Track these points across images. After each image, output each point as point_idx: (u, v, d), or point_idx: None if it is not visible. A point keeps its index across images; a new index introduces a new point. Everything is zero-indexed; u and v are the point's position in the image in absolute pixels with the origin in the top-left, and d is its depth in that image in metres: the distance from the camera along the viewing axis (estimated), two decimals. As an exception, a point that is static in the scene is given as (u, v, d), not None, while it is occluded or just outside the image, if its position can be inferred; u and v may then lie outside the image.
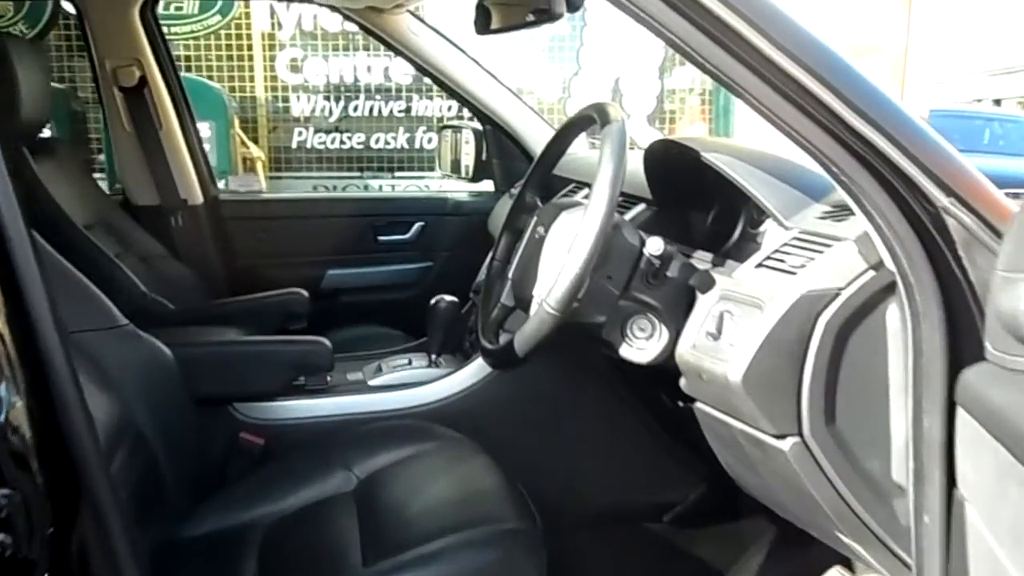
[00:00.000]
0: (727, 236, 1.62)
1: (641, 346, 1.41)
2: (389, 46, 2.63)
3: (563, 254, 1.34)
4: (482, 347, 1.59)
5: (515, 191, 2.61)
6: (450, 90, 2.67)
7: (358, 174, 6.02)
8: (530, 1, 1.91)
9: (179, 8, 5.10)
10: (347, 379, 1.99)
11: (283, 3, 6.24)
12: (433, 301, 2.01)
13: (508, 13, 2.03)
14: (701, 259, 1.55)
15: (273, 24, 6.00)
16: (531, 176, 1.75)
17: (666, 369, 1.41)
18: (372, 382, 1.96)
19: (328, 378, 1.92)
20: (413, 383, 1.94)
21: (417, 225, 2.88)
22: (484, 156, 2.75)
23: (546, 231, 1.53)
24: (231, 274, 2.73)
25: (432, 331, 2.03)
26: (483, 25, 1.96)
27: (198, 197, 2.69)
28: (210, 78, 5.60)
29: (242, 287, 2.70)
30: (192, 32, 5.23)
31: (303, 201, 2.94)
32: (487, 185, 2.87)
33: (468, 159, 2.81)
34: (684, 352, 1.36)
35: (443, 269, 2.89)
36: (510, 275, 1.61)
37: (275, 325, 2.20)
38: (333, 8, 2.60)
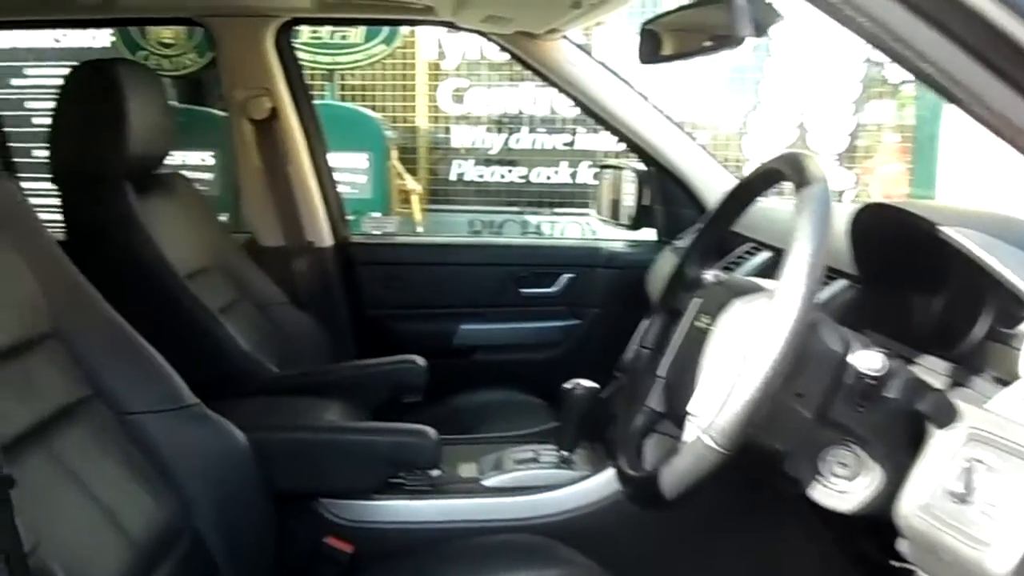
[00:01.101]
0: (963, 334, 1.17)
1: (842, 489, 1.02)
2: (543, 76, 2.34)
3: (734, 362, 0.97)
4: (619, 469, 1.21)
5: (679, 243, 2.26)
6: (609, 125, 2.34)
7: (516, 209, 5.76)
8: (707, 25, 1.56)
9: (344, 37, 5.02)
10: (458, 474, 1.66)
11: (449, 32, 6.10)
12: (569, 386, 1.65)
13: (679, 39, 1.74)
14: (927, 367, 1.13)
15: (438, 54, 5.86)
16: (697, 241, 1.35)
17: (876, 517, 1.00)
18: (488, 482, 1.62)
19: (434, 471, 1.59)
20: (537, 487, 1.59)
21: (565, 277, 2.54)
22: (646, 201, 2.41)
23: (712, 322, 1.14)
24: (355, 325, 2.49)
25: (566, 421, 1.67)
26: (650, 53, 1.73)
27: (326, 239, 2.46)
28: (372, 108, 5.51)
29: (366, 340, 2.47)
30: (356, 62, 5.14)
31: (439, 247, 2.67)
32: (648, 234, 2.51)
33: (628, 204, 2.48)
34: (909, 513, 0.94)
35: (592, 329, 2.53)
36: (661, 372, 1.24)
37: (386, 397, 1.92)
38: (482, 34, 2.32)
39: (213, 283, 2.12)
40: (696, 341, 1.16)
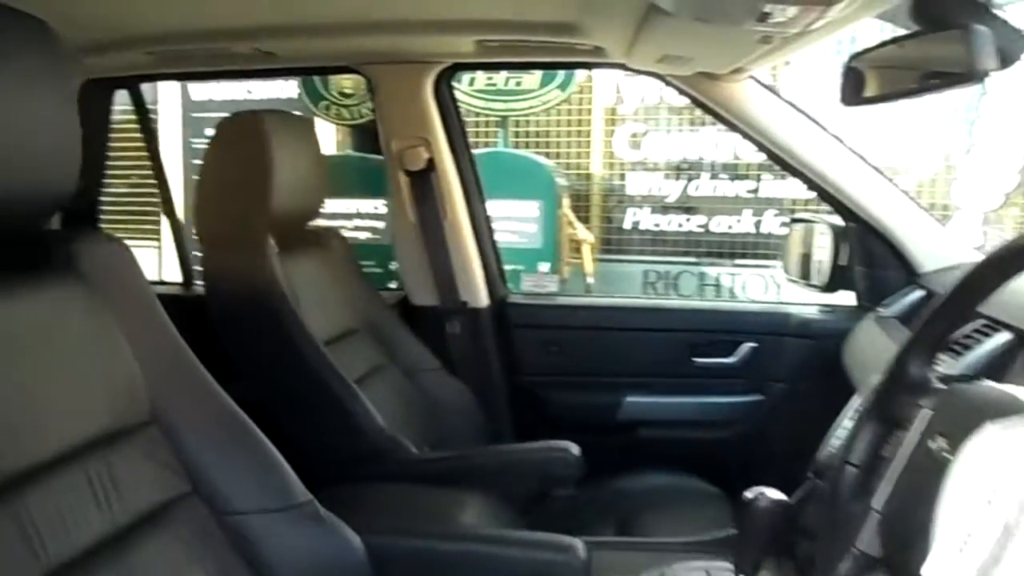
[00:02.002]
0: None
1: None
2: (725, 121, 2.07)
3: (993, 518, 0.70)
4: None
5: (884, 311, 1.93)
6: (802, 174, 2.04)
7: (694, 260, 5.43)
8: (928, 59, 1.27)
9: (519, 83, 4.92)
10: (610, 594, 1.40)
11: (626, 75, 5.91)
12: (751, 495, 1.35)
13: (889, 77, 1.47)
14: None
15: (616, 98, 5.67)
16: (925, 331, 1.04)
17: None
18: (646, 611, 1.35)
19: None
20: (708, 623, 1.30)
21: (746, 346, 2.24)
22: (844, 260, 2.10)
23: (953, 449, 0.84)
24: (510, 393, 2.28)
25: (747, 538, 1.37)
26: (853, 93, 1.49)
27: (482, 299, 2.29)
28: (546, 155, 5.37)
29: (521, 409, 2.25)
30: (530, 108, 5.02)
31: (603, 309, 2.42)
32: (845, 298, 2.17)
33: (822, 262, 2.16)
34: None
35: (777, 407, 2.21)
36: (877, 504, 0.95)
37: (534, 488, 1.68)
38: (658, 77, 2.09)
39: (358, 347, 1.99)
40: (928, 471, 0.86)
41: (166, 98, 6.13)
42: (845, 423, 1.30)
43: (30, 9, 1.63)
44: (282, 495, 1.16)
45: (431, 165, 2.20)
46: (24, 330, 0.96)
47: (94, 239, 1.11)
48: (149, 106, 5.93)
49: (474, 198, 2.29)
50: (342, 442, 1.69)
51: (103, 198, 2.46)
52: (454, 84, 2.28)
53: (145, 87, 2.41)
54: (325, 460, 1.72)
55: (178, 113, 5.98)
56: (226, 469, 1.13)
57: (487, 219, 2.35)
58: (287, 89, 5.56)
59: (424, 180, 2.21)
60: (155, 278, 2.55)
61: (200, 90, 5.93)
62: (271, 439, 1.27)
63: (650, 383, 2.27)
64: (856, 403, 1.30)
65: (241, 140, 1.77)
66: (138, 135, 2.50)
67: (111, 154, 2.48)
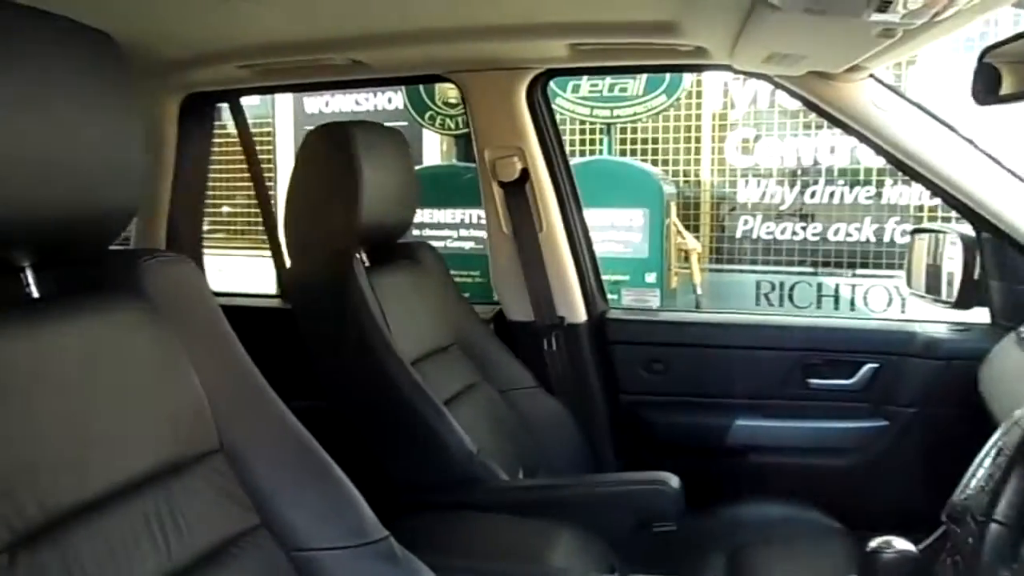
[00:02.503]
0: None
1: None
2: (841, 124, 1.92)
3: None
4: None
5: (1025, 333, 1.73)
6: (928, 181, 1.86)
7: (810, 270, 5.18)
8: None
9: (623, 90, 4.80)
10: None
11: (735, 78, 5.71)
12: (873, 545, 1.20)
13: None
14: None
15: (725, 103, 5.48)
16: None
17: None
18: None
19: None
20: None
21: (868, 367, 2.05)
22: (977, 273, 1.89)
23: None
24: (610, 413, 2.17)
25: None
26: (987, 91, 1.39)
27: (580, 314, 2.18)
28: (652, 162, 5.24)
29: (621, 431, 2.14)
30: (635, 115, 4.90)
31: (710, 326, 2.27)
32: (979, 315, 1.97)
33: (952, 276, 1.95)
34: None
35: (903, 435, 2.03)
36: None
37: (629, 523, 1.57)
38: (766, 78, 1.94)
39: (450, 364, 1.92)
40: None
41: (281, 111, 6.32)
42: (986, 463, 1.14)
43: (128, 26, 1.64)
44: (356, 531, 1.09)
45: (525, 175, 2.12)
46: (84, 356, 0.92)
47: (161, 259, 1.07)
48: (262, 120, 6.12)
49: (570, 209, 2.20)
50: (428, 466, 1.62)
51: (228, 210, 2.50)
52: (557, 91, 2.19)
53: (265, 102, 2.43)
54: (410, 485, 1.65)
55: (290, 125, 6.15)
56: (297, 502, 1.06)
57: (585, 231, 2.25)
58: (394, 100, 5.62)
59: (518, 191, 2.13)
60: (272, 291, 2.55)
61: (312, 102, 6.08)
62: (353, 460, 1.20)
63: (761, 405, 2.11)
64: (999, 440, 1.14)
65: (328, 152, 1.73)
66: (262, 147, 2.53)
67: (236, 167, 2.52)
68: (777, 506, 1.90)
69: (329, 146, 1.73)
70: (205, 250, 2.51)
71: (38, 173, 0.86)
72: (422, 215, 4.11)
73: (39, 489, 0.82)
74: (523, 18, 1.79)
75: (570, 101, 4.70)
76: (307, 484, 1.08)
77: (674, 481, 1.61)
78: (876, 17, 1.21)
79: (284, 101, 6.05)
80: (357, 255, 1.75)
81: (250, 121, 2.47)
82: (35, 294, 0.96)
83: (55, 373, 0.88)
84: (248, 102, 2.45)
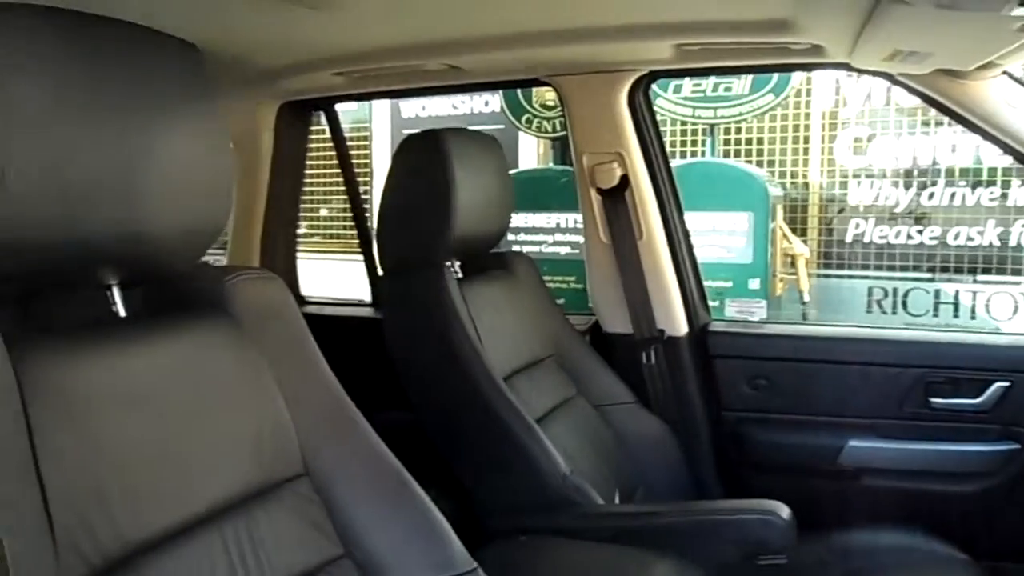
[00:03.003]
0: None
1: None
2: (967, 124, 1.77)
3: None
4: None
5: None
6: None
7: (928, 276, 4.89)
8: None
9: (728, 89, 4.64)
10: None
11: (848, 75, 5.45)
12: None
13: None
14: None
15: (836, 101, 5.24)
16: None
17: None
18: None
19: None
20: None
21: (997, 386, 1.90)
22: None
23: None
24: (712, 431, 2.07)
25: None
26: None
27: (681, 327, 2.09)
28: (759, 163, 5.05)
29: (724, 450, 2.04)
30: (740, 115, 4.73)
31: (822, 339, 2.13)
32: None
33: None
34: None
35: (1036, 460, 1.86)
36: None
37: (733, 556, 1.47)
38: (887, 77, 1.81)
39: (544, 378, 1.86)
40: None
41: (378, 116, 6.39)
42: None
43: (222, 36, 1.64)
44: (444, 563, 1.04)
45: (625, 182, 2.04)
46: (165, 377, 0.90)
47: (247, 277, 1.04)
48: (361, 124, 6.20)
49: (672, 217, 2.10)
50: (519, 488, 1.56)
51: (326, 213, 2.51)
52: (658, 92, 2.10)
53: (362, 107, 2.43)
54: (498, 506, 1.59)
55: (387, 130, 6.20)
56: (383, 531, 1.02)
57: (687, 239, 2.15)
58: (491, 103, 5.60)
59: (617, 198, 2.05)
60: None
61: (408, 106, 6.11)
62: (440, 478, 1.16)
63: (877, 425, 1.98)
64: None
65: (420, 160, 1.69)
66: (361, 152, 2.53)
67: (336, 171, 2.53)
68: (893, 533, 1.78)
69: (421, 154, 1.69)
70: (305, 254, 2.52)
71: (127, 190, 0.84)
72: (517, 220, 4.05)
73: (116, 518, 0.79)
74: (625, 18, 1.71)
75: (671, 102, 4.58)
76: (393, 512, 1.04)
77: (784, 512, 1.50)
78: (1019, 11, 1.09)
79: (381, 106, 6.11)
80: (449, 266, 1.71)
81: (348, 126, 2.47)
82: (121, 313, 0.95)
83: (135, 395, 0.85)
84: (347, 107, 2.45)
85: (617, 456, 1.89)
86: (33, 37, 0.77)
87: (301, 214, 2.54)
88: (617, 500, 1.75)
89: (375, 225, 1.81)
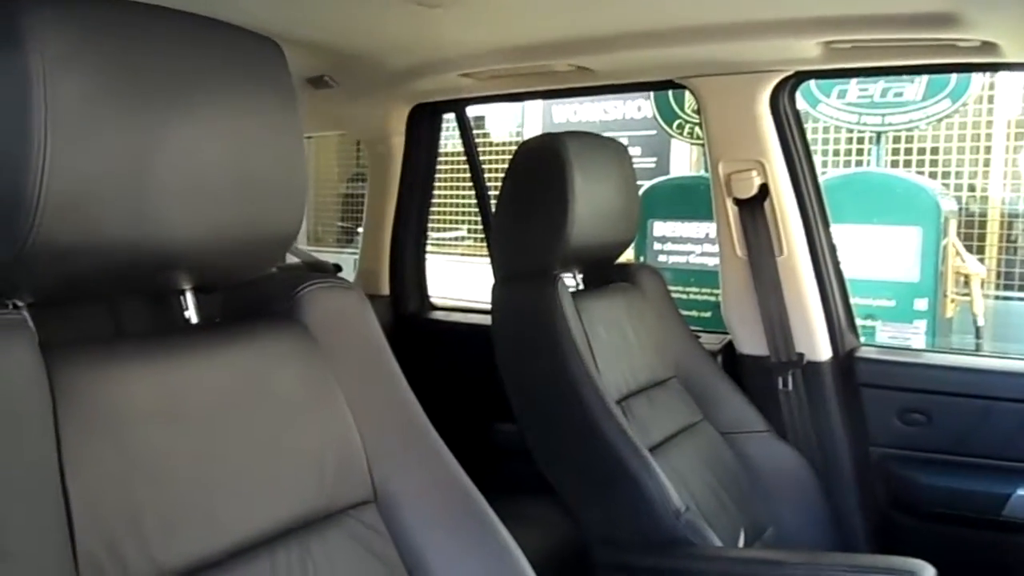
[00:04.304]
0: None
1: None
2: None
3: None
4: None
5: None
6: None
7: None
8: None
9: (898, 95, 4.29)
10: None
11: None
12: None
13: None
14: None
15: (1024, 107, 4.80)
16: None
17: None
18: None
19: None
20: None
21: None
22: None
23: None
24: (856, 467, 1.88)
25: None
26: None
27: (823, 351, 1.91)
28: (931, 175, 4.66)
29: (867, 490, 1.88)
30: (911, 122, 4.37)
31: (990, 372, 1.87)
32: None
33: None
34: None
35: None
36: None
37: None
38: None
39: (666, 401, 1.74)
40: None
41: (530, 121, 6.38)
42: None
43: (352, 37, 1.62)
44: None
45: (764, 192, 1.88)
46: (220, 390, 0.84)
47: (322, 286, 0.98)
48: (516, 130, 6.18)
49: (817, 231, 1.92)
50: (626, 522, 1.44)
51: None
52: (820, 97, 1.92)
53: (514, 112, 2.39)
54: (603, 540, 1.48)
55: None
56: (455, 567, 0.94)
57: (834, 256, 1.95)
58: (643, 108, 5.45)
59: (756, 209, 1.89)
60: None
61: (560, 111, 6.06)
62: (538, 503, 1.06)
63: None
64: None
65: (538, 165, 1.61)
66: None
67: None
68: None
69: (539, 158, 1.61)
70: (449, 254, 2.50)
71: (204, 193, 0.79)
72: (664, 228, 3.90)
73: (149, 543, 0.74)
74: (767, 14, 1.57)
75: (834, 107, 4.29)
76: (467, 551, 0.95)
77: (929, 572, 1.31)
78: None
79: (534, 112, 6.09)
80: (563, 276, 1.61)
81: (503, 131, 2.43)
82: (194, 319, 0.91)
83: (184, 410, 0.80)
84: (501, 113, 2.42)
85: (745, 490, 1.74)
86: (112, 32, 0.73)
87: (460, 217, 2.53)
88: (741, 541, 1.60)
89: (492, 232, 1.74)
